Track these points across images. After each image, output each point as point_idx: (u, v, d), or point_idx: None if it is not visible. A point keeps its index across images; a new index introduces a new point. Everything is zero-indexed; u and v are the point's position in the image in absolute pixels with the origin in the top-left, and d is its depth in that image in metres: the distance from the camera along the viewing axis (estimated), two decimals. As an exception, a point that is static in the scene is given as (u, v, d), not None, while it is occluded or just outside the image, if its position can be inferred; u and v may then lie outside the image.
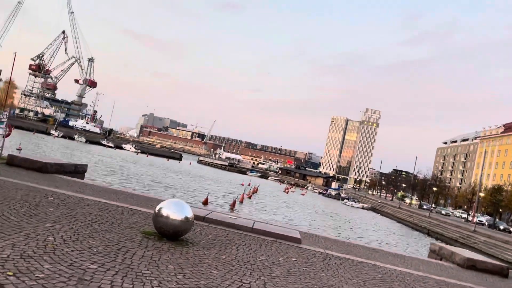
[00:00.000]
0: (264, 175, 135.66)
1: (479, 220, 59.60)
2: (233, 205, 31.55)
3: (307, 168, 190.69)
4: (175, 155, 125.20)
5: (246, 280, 4.96)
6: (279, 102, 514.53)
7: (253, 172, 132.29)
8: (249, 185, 60.74)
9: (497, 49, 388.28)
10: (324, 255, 7.67)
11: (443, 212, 78.24)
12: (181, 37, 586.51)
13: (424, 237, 44.89)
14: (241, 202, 36.83)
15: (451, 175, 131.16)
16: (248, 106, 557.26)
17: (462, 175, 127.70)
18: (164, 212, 6.07)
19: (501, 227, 57.95)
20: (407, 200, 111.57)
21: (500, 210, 67.61)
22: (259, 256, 6.41)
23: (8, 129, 15.32)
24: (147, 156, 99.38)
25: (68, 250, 4.65)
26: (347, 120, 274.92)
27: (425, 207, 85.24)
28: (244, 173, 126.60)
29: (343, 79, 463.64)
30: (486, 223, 61.25)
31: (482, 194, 58.95)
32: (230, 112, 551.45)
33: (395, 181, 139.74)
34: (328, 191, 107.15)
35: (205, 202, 29.51)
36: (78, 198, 8.27)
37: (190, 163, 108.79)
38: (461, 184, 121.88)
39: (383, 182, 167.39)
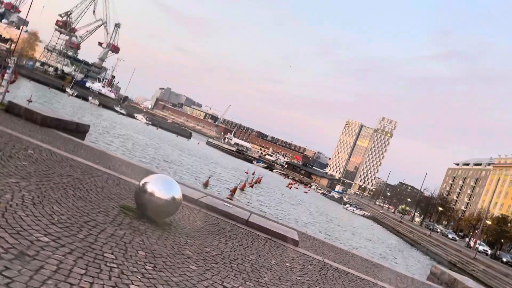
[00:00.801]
0: (270, 167, 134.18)
1: (483, 250, 58.17)
2: (233, 191, 30.57)
3: (313, 167, 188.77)
4: (185, 133, 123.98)
5: (228, 284, 4.14)
6: (296, 97, 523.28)
7: (259, 162, 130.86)
8: (253, 174, 59.37)
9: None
10: (321, 264, 6.80)
11: (450, 236, 74.86)
12: (210, 16, 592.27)
13: (422, 255, 43.89)
14: (242, 189, 36.05)
15: (457, 197, 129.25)
16: (266, 96, 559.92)
17: (469, 199, 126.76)
18: (149, 188, 5.23)
19: (504, 260, 55.74)
20: (411, 217, 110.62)
21: (502, 240, 65.94)
22: (249, 255, 5.58)
23: (14, 75, 14.88)
24: (157, 129, 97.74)
25: (23, 213, 3.89)
26: (362, 126, 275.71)
27: (431, 227, 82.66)
28: (250, 161, 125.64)
29: (364, 84, 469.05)
30: (489, 252, 59.61)
31: (489, 222, 57.62)
32: (247, 99, 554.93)
33: (400, 194, 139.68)
34: (332, 193, 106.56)
35: (206, 184, 28.58)
36: (63, 157, 7.50)
37: (199, 143, 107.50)
38: (466, 208, 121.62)
39: (388, 193, 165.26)
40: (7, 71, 16.11)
